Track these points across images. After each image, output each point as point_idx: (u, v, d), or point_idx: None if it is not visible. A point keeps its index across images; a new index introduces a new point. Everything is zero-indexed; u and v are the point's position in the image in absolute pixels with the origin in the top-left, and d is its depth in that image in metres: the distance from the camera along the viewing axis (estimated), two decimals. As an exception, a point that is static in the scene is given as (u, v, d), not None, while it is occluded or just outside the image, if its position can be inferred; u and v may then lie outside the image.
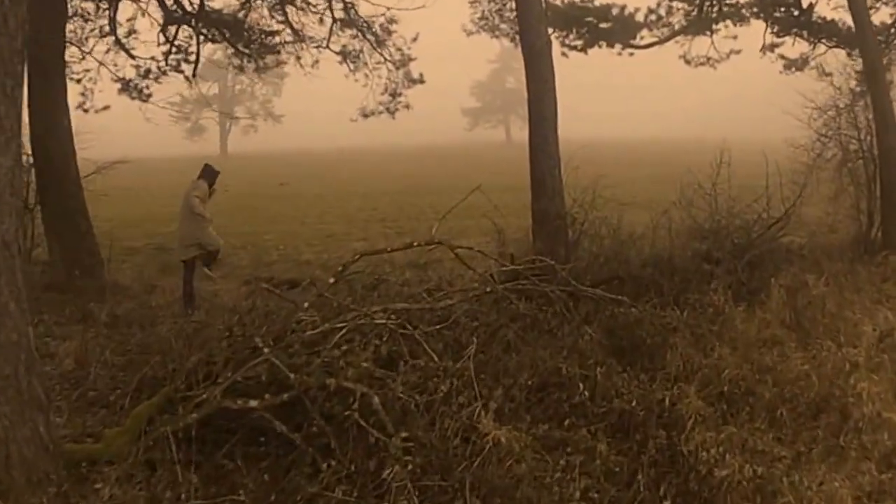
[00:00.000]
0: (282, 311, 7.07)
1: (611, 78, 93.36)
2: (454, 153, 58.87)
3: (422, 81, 15.96)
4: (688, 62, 18.46)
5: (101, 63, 16.23)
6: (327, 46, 15.85)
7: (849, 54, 18.20)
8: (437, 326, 6.83)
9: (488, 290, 7.77)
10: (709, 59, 18.55)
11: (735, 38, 18.35)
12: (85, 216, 12.06)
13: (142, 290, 11.93)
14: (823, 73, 19.47)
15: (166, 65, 16.87)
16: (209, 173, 11.68)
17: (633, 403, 6.54)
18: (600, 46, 17.65)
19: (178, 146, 70.68)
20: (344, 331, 6.15)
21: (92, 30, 16.35)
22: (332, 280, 7.23)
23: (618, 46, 17.64)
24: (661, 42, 17.63)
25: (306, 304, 6.67)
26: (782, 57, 20.01)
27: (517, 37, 14.13)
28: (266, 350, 6.10)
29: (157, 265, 14.12)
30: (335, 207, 23.60)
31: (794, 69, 20.16)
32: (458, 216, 19.91)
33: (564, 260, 10.84)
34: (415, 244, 8.18)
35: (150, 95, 17.75)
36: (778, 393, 7.41)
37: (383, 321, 6.37)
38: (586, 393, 6.48)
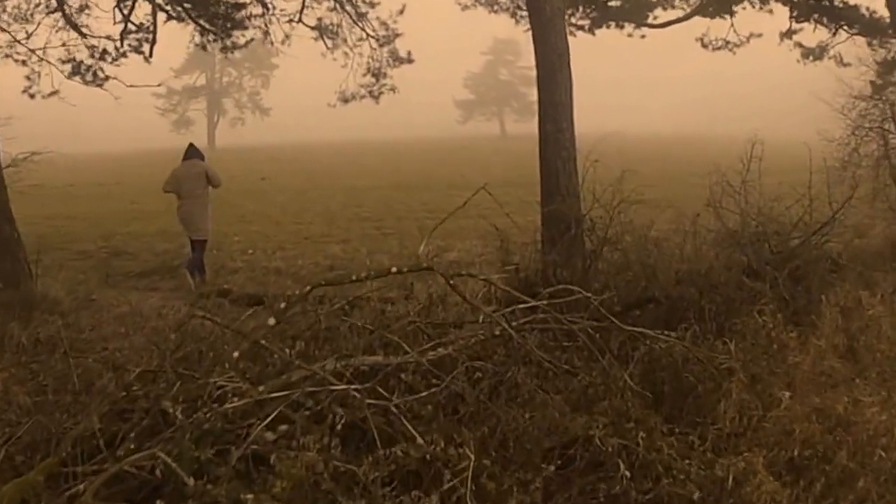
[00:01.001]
0: (210, 357, 5.24)
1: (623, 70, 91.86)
2: (446, 147, 57.04)
3: (409, 61, 14.06)
4: (705, 46, 16.80)
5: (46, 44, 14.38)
6: (300, 20, 13.93)
7: (869, 43, 17.21)
8: (424, 393, 4.93)
9: (497, 332, 5.88)
10: (727, 42, 16.90)
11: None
12: (7, 218, 10.14)
13: (75, 305, 10.07)
14: (841, 63, 18.82)
15: (122, 45, 15.01)
16: (198, 151, 12.32)
17: (688, 485, 4.76)
18: (608, 27, 15.88)
19: (165, 139, 68.84)
20: (284, 402, 4.25)
21: (37, 5, 14.52)
22: (271, 322, 5.32)
23: (629, 27, 15.90)
24: (676, 22, 15.87)
25: (236, 354, 4.78)
26: (799, 45, 18.81)
27: (517, 11, 12.29)
28: (178, 417, 4.27)
29: (102, 274, 12.27)
30: (316, 204, 21.71)
31: (811, 58, 19.01)
32: (454, 215, 18.18)
33: (582, 274, 9.08)
34: (394, 270, 6.31)
35: (106, 79, 15.88)
36: (856, 456, 5.66)
37: (345, 388, 4.49)
38: (627, 473, 4.68)
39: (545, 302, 6.30)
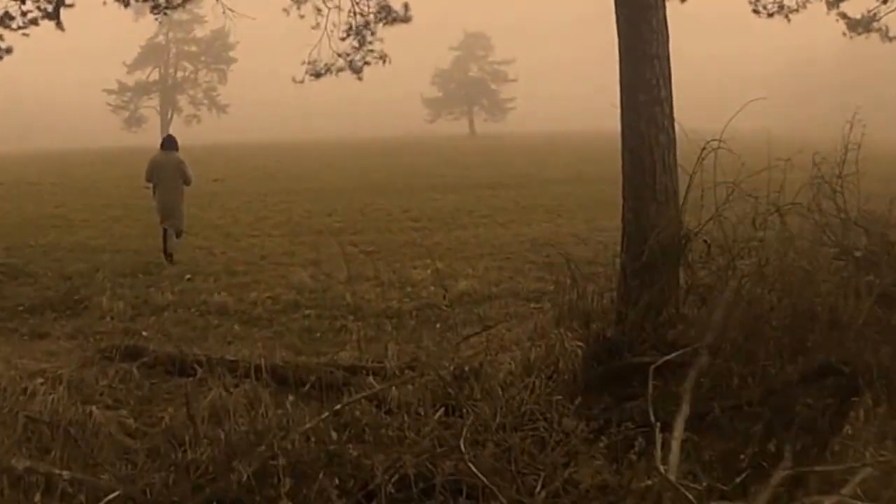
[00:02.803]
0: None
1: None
2: (415, 147, 53.69)
3: (406, 18, 10.55)
4: (757, 12, 13.89)
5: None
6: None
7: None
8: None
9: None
10: (782, 6, 14.03)
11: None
12: None
13: None
14: (887, 37, 18.16)
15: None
16: (175, 142, 12.42)
17: None
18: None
19: (115, 137, 65.02)
20: None
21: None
22: None
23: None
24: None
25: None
26: (844, 17, 17.34)
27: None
28: None
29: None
30: (277, 211, 18.12)
31: (859, 31, 17.83)
32: (446, 225, 14.69)
33: (686, 321, 5.96)
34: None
35: (9, 51, 12.62)
36: None
37: None
38: None
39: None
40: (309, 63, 10.80)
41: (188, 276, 10.56)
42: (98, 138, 68.32)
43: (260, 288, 9.80)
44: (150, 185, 12.27)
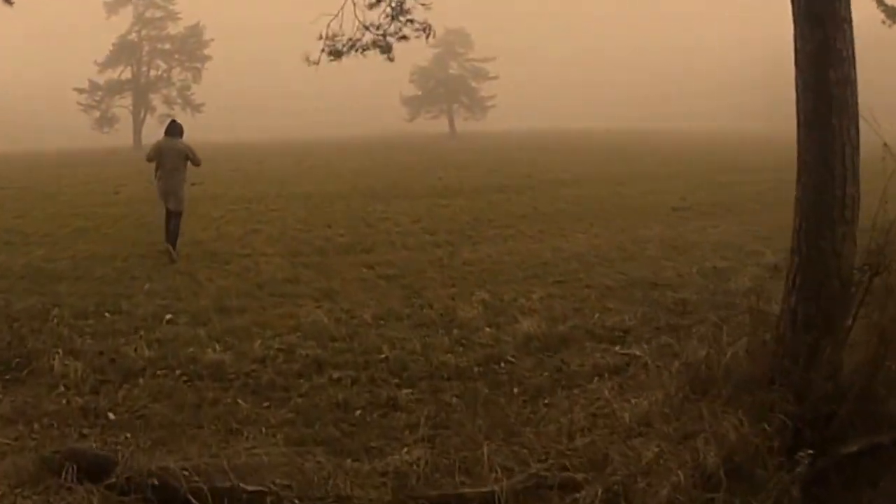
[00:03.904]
0: None
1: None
2: (400, 146, 51.40)
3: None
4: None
5: None
6: None
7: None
8: None
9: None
10: None
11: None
12: None
13: None
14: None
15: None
16: (179, 129, 12.28)
17: None
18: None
19: (87, 138, 62.33)
20: None
21: None
22: None
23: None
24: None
25: None
26: (882, 4, 15.73)
27: None
28: None
29: None
30: (268, 223, 15.56)
31: None
32: (468, 240, 12.57)
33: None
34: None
35: None
36: None
37: None
38: None
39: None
40: (327, 39, 8.42)
41: (168, 316, 8.20)
42: (69, 139, 65.66)
43: (264, 335, 7.43)
44: (153, 167, 12.27)
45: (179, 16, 66.48)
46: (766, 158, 32.57)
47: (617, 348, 7.35)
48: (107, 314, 8.30)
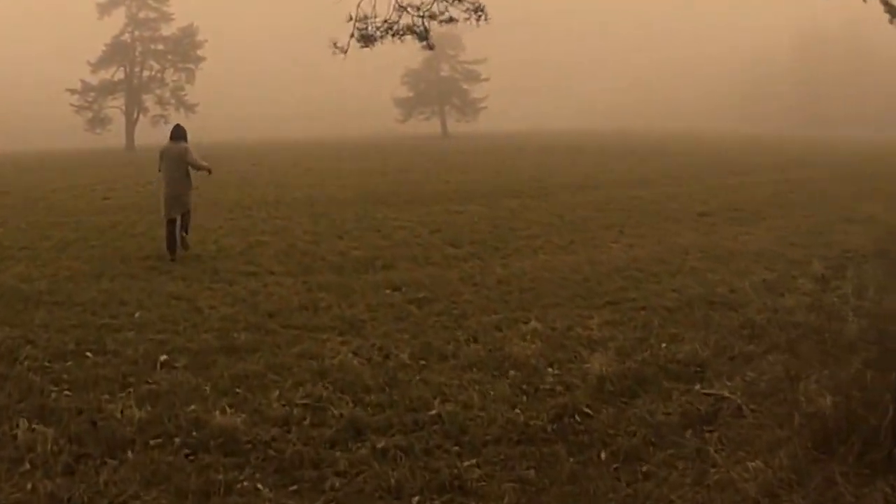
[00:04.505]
0: None
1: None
2: (392, 147, 50.13)
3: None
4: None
5: None
6: None
7: None
8: None
9: None
10: None
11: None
12: None
13: None
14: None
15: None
16: (182, 133, 12.06)
17: None
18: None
19: (79, 139, 61.19)
20: None
21: None
22: None
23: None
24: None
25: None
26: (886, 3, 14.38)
27: None
28: None
29: None
30: (272, 233, 14.04)
31: None
32: (518, 250, 11.41)
33: None
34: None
35: None
36: None
37: None
38: None
39: None
40: (358, 21, 7.03)
41: (164, 357, 6.79)
42: (60, 140, 64.51)
43: (283, 384, 6.00)
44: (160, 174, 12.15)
45: (173, 17, 65.43)
46: (764, 159, 32.06)
47: (698, 387, 6.08)
48: (89, 354, 6.88)
